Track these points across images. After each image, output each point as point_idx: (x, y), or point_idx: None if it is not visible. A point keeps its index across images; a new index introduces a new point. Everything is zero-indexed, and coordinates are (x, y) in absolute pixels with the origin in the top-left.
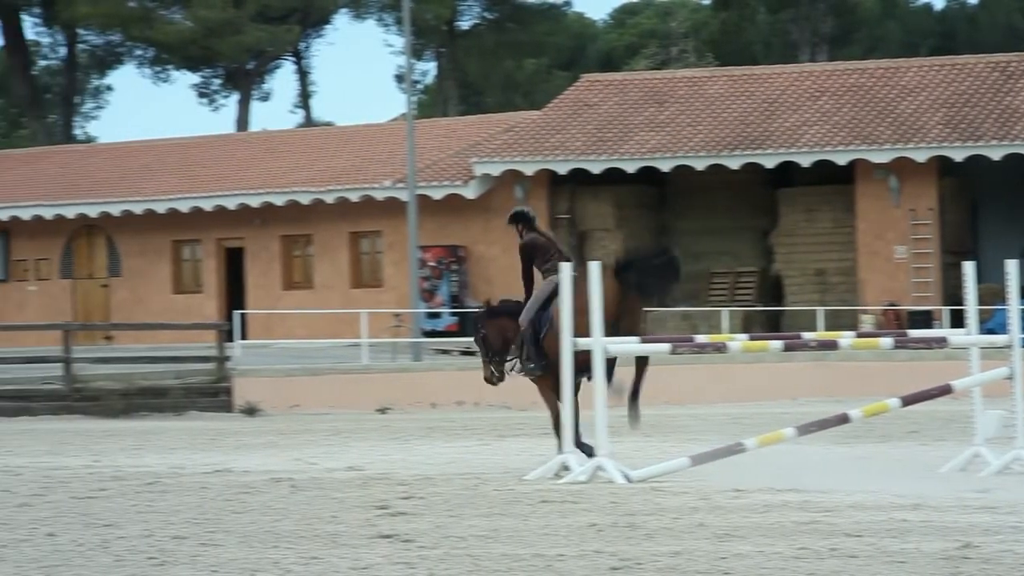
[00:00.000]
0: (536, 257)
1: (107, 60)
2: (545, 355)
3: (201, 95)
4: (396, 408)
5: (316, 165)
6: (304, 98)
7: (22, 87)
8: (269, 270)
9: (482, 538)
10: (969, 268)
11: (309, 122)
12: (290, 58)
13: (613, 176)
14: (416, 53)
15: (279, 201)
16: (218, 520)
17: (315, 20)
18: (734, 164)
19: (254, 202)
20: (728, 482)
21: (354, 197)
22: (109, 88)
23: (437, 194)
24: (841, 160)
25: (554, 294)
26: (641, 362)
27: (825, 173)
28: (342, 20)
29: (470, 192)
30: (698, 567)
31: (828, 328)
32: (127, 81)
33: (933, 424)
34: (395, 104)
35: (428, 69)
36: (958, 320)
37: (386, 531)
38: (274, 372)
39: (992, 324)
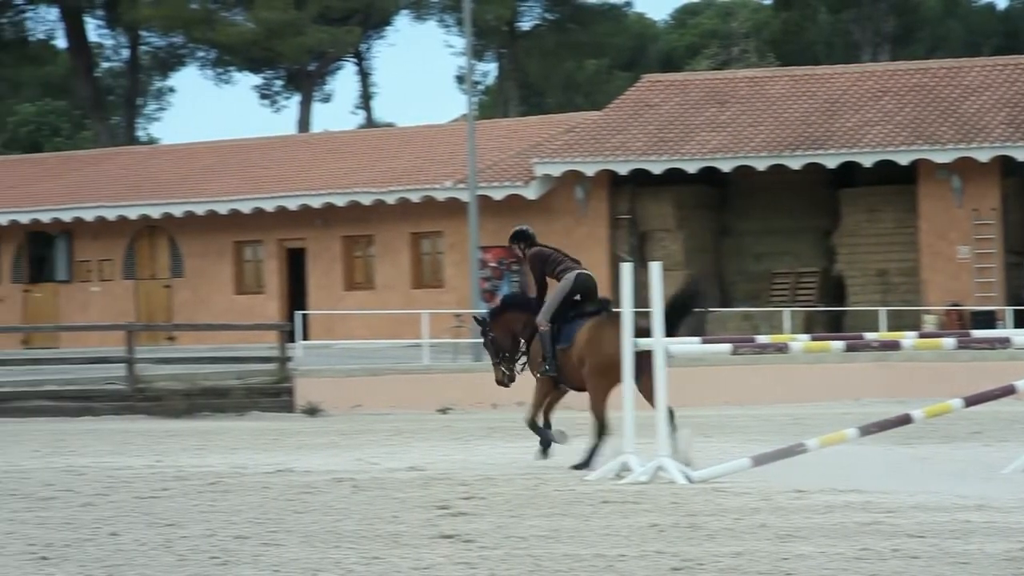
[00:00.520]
0: (546, 266)
1: (169, 62)
2: (558, 364)
3: (263, 96)
4: (457, 408)
5: (377, 166)
6: (365, 99)
7: (85, 89)
8: (330, 271)
9: (543, 538)
10: None
11: (370, 123)
12: (351, 59)
13: (674, 176)
14: (477, 54)
15: (340, 202)
16: (280, 520)
17: (376, 21)
18: (795, 164)
19: (316, 203)
20: (790, 483)
21: (415, 198)
22: (171, 90)
23: (498, 195)
24: (903, 160)
25: (571, 293)
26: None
27: (887, 173)
28: (403, 21)
29: (531, 193)
30: (760, 568)
31: (890, 328)
32: (189, 83)
33: (996, 425)
34: (456, 105)
35: (489, 70)
36: (1021, 320)
37: (447, 531)
38: (335, 372)
39: None
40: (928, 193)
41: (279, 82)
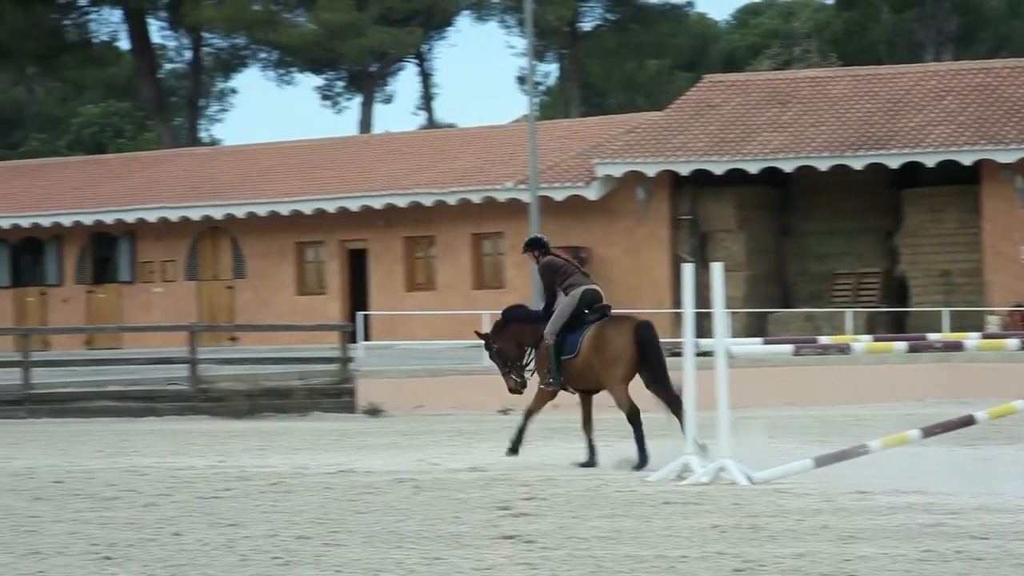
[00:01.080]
0: (556, 276)
1: (232, 63)
2: (565, 374)
3: (324, 97)
4: (518, 409)
5: (438, 167)
6: (427, 100)
7: (148, 90)
8: (392, 271)
9: (604, 539)
10: None
11: (431, 124)
12: (413, 60)
13: (735, 177)
14: (538, 54)
15: (402, 203)
16: (341, 520)
17: (438, 22)
18: (858, 164)
19: (377, 204)
20: (852, 484)
21: (476, 198)
22: (234, 91)
23: (559, 195)
24: (966, 160)
25: (578, 308)
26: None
27: (950, 173)
28: (464, 22)
29: (592, 193)
30: (822, 570)
31: (953, 329)
32: (251, 84)
33: None
34: (517, 105)
35: (550, 70)
36: None
37: (509, 532)
38: (397, 373)
39: None
40: (991, 193)
41: (341, 83)
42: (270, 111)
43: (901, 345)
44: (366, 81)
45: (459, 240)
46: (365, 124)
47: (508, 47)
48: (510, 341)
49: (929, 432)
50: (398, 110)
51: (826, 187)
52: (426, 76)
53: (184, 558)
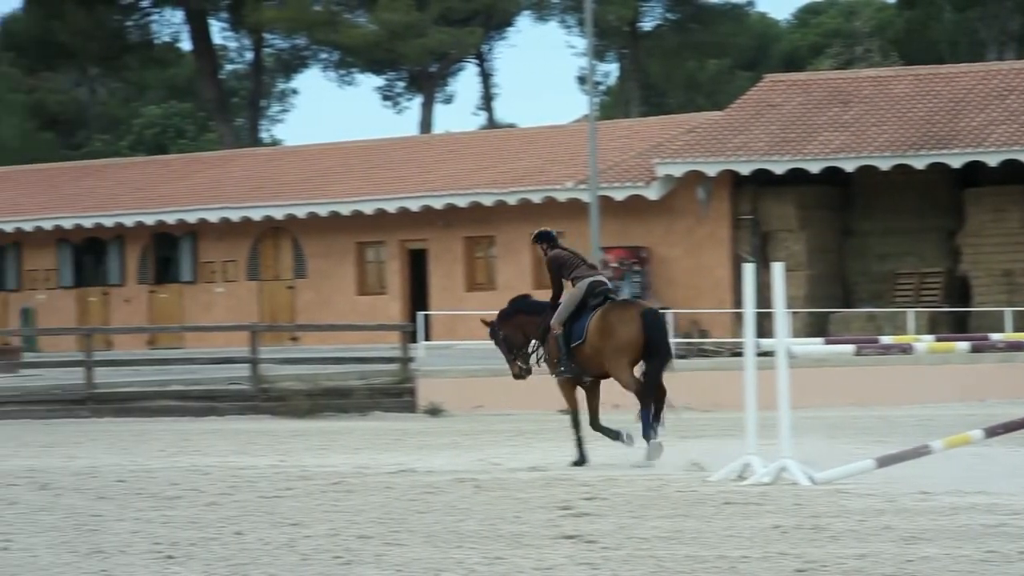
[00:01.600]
0: (563, 270)
1: (293, 64)
2: (576, 361)
3: (385, 98)
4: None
5: (498, 167)
6: (487, 100)
7: (210, 91)
8: (452, 271)
9: (665, 539)
10: None
11: (492, 124)
12: (473, 60)
13: (796, 176)
14: (598, 54)
15: (462, 203)
16: (402, 520)
17: (498, 22)
18: (920, 164)
19: (437, 204)
20: (914, 484)
21: (536, 198)
22: (295, 91)
23: (619, 195)
24: None
25: (585, 297)
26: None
27: (1012, 172)
28: (524, 22)
29: (652, 193)
30: (884, 570)
31: (1016, 329)
32: (312, 84)
33: None
34: (577, 105)
35: (610, 70)
36: None
37: (569, 531)
38: (457, 373)
39: None
40: None
41: (401, 83)
42: (331, 112)
43: (963, 345)
44: (426, 81)
45: (519, 240)
46: (425, 124)
47: (568, 47)
48: (516, 329)
49: (992, 432)
50: (458, 110)
51: (888, 187)
52: (486, 76)
53: (245, 557)
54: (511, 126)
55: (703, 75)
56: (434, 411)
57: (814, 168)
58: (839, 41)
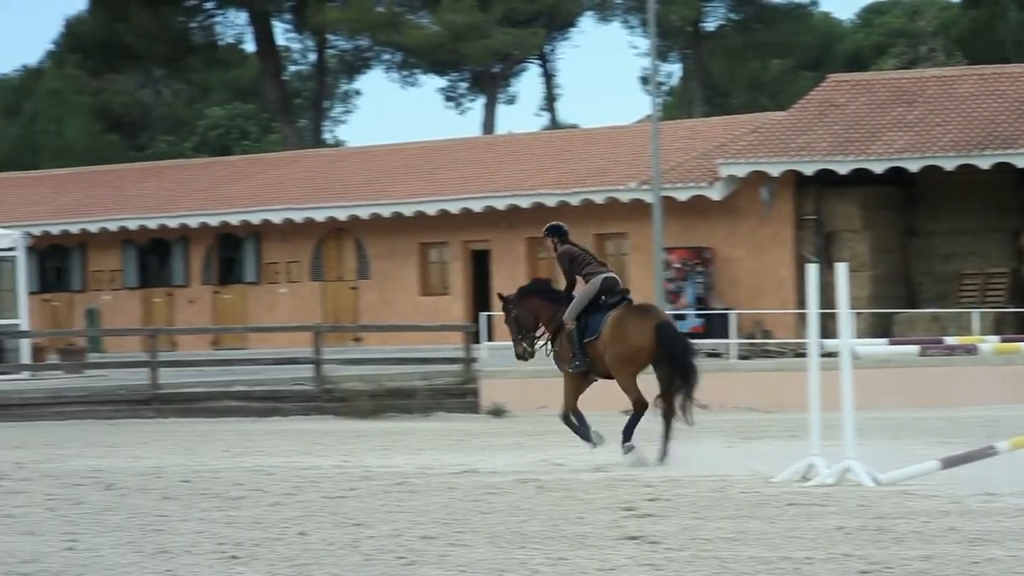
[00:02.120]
0: (574, 265)
1: (356, 65)
2: (588, 357)
3: (448, 99)
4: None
5: (561, 167)
6: (549, 101)
7: (273, 92)
8: (515, 272)
9: (729, 540)
10: None
11: (554, 124)
12: (536, 61)
13: (860, 177)
14: (661, 54)
15: (524, 203)
16: (466, 520)
17: (560, 23)
18: (984, 164)
19: (500, 204)
20: (979, 486)
21: (599, 199)
22: (358, 92)
23: (682, 195)
24: None
25: (597, 295)
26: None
27: None
28: (587, 22)
29: (715, 193)
30: (949, 572)
31: None
32: (375, 85)
33: None
34: (640, 106)
35: (673, 70)
36: None
37: (633, 532)
38: (520, 373)
39: None
40: None
41: (464, 84)
42: (394, 112)
43: None
44: (489, 82)
45: (582, 241)
46: (488, 125)
47: (631, 47)
48: (530, 312)
49: None
50: (521, 111)
51: (952, 187)
52: (549, 77)
53: (309, 557)
54: (574, 127)
55: (766, 75)
56: (497, 412)
57: (878, 168)
58: (903, 41)
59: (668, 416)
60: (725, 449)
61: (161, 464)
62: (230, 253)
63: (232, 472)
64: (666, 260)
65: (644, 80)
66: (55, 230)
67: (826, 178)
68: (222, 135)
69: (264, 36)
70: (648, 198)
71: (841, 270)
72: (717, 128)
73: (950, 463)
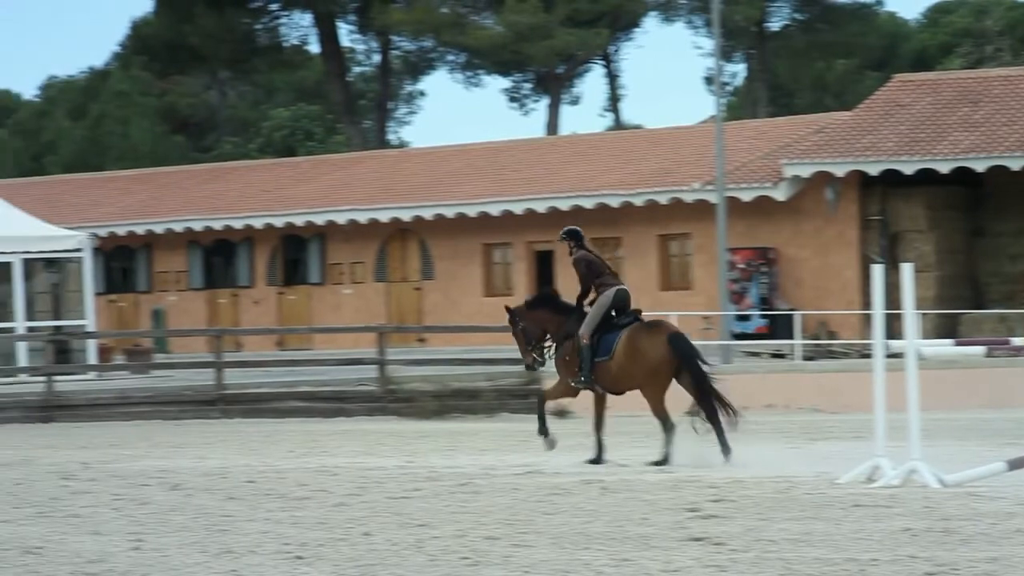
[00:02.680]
0: (591, 271)
1: (420, 66)
2: (596, 374)
3: (512, 99)
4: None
5: (625, 168)
6: (613, 101)
7: (338, 93)
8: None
9: (794, 542)
10: None
11: (618, 125)
12: (600, 61)
13: (926, 177)
14: (725, 55)
15: (588, 204)
16: (529, 521)
17: (624, 23)
18: None
19: (563, 205)
20: None
21: (663, 200)
22: (422, 93)
23: (746, 196)
24: None
25: (610, 308)
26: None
27: None
28: (651, 23)
29: (780, 194)
30: (1016, 574)
31: None
32: (439, 86)
33: None
34: (704, 106)
35: (737, 71)
36: None
37: (697, 534)
38: None
39: None
40: None
41: (528, 85)
42: (457, 113)
43: None
44: (553, 83)
45: (646, 241)
46: (552, 126)
47: (695, 48)
48: (537, 324)
49: None
50: (585, 112)
51: (1019, 187)
52: (613, 77)
53: (374, 558)
54: (638, 127)
55: (831, 75)
56: (561, 412)
57: (944, 168)
58: (969, 40)
59: (713, 419)
60: (790, 450)
61: (226, 464)
62: (295, 254)
63: (297, 473)
64: (730, 260)
65: (708, 80)
66: (121, 231)
67: (891, 178)
68: (287, 136)
69: (329, 37)
70: (712, 198)
71: (906, 271)
72: (782, 128)
73: (1017, 464)
